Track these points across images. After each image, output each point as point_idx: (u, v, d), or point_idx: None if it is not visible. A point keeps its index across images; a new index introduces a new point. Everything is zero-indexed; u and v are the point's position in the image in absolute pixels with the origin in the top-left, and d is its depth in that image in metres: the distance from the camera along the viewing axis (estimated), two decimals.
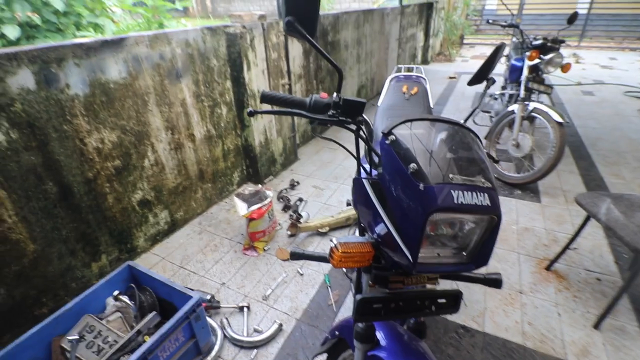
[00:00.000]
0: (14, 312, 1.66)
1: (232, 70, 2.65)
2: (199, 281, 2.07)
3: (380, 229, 0.77)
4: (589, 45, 9.86)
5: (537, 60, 2.97)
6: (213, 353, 1.62)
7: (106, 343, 1.48)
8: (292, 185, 3.05)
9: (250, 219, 2.21)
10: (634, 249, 1.47)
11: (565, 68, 2.99)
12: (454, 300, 0.84)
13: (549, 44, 2.96)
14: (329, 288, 1.98)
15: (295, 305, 1.89)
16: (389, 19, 5.50)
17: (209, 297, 1.88)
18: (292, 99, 0.90)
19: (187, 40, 2.27)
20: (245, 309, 1.86)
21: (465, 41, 10.93)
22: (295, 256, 1.01)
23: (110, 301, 1.65)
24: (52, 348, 1.45)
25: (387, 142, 0.76)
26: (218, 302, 1.89)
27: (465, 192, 0.66)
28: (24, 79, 1.55)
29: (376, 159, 0.84)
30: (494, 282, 0.89)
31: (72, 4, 3.53)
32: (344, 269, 1.88)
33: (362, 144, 0.86)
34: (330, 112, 0.84)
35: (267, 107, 2.43)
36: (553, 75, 6.31)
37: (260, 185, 2.44)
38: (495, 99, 3.89)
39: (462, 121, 0.84)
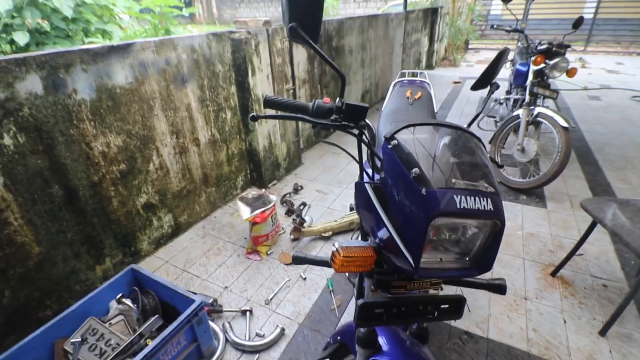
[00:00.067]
0: (18, 314, 1.67)
1: (236, 75, 2.67)
2: (201, 285, 2.08)
3: (382, 234, 0.77)
4: (596, 50, 9.82)
5: (542, 65, 2.96)
6: (215, 357, 1.62)
7: (109, 346, 1.48)
8: (296, 190, 3.06)
9: (254, 223, 2.21)
10: None
11: (570, 73, 2.98)
12: (457, 306, 0.83)
13: (554, 49, 2.96)
14: (332, 293, 1.97)
15: (298, 310, 1.88)
16: (393, 24, 5.52)
17: (211, 300, 1.88)
18: (295, 103, 0.90)
19: (192, 46, 2.29)
20: (247, 313, 1.85)
21: (470, 46, 10.94)
22: (298, 260, 1.00)
23: (113, 304, 1.66)
24: (55, 350, 1.46)
25: (389, 146, 0.76)
26: (220, 305, 1.89)
27: (468, 197, 0.65)
28: (32, 84, 1.57)
29: (379, 164, 0.84)
30: (498, 287, 0.88)
31: (81, 11, 3.59)
32: (346, 274, 1.88)
33: (364, 149, 0.87)
34: (333, 117, 0.84)
35: (270, 111, 2.45)
36: (559, 80, 6.27)
37: (264, 190, 2.45)
38: (501, 103, 3.88)
39: (465, 126, 0.84)
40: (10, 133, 1.53)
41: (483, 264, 0.73)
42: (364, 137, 0.86)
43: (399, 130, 0.79)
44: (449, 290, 1.85)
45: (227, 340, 1.72)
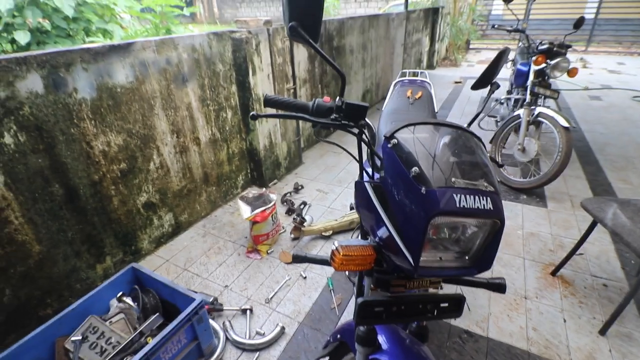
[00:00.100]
0: (18, 313, 1.67)
1: (237, 74, 2.67)
2: (202, 284, 2.08)
3: (382, 233, 0.77)
4: (597, 50, 9.80)
5: (543, 65, 2.96)
6: (215, 355, 1.62)
7: (109, 344, 1.48)
8: (296, 189, 3.06)
9: (254, 222, 2.21)
10: None
11: (571, 73, 2.98)
12: (457, 304, 0.83)
13: (555, 49, 2.95)
14: (332, 291, 1.98)
15: (298, 309, 1.89)
16: (394, 24, 5.51)
17: (211, 299, 1.89)
18: (295, 102, 0.90)
19: (193, 46, 2.29)
20: (248, 312, 1.86)
21: (471, 46, 10.93)
22: (298, 259, 1.01)
23: (114, 302, 1.66)
24: (56, 348, 1.46)
25: (389, 145, 0.76)
26: (221, 304, 1.89)
27: (467, 196, 0.65)
28: (32, 83, 1.57)
29: (378, 163, 0.84)
30: (498, 286, 0.88)
31: (82, 10, 3.59)
32: (347, 272, 1.88)
33: (364, 148, 0.87)
34: (333, 116, 0.84)
35: (271, 111, 2.45)
36: (560, 80, 6.28)
37: (264, 189, 2.45)
38: (501, 103, 3.88)
39: (465, 125, 0.84)
40: (11, 132, 1.53)
41: (483, 263, 0.73)
42: (363, 136, 0.86)
43: (398, 130, 0.79)
44: (449, 289, 1.85)
45: (227, 338, 1.72)
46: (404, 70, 2.47)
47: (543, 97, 3.03)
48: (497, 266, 2.13)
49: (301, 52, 3.28)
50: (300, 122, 3.45)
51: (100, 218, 1.97)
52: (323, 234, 2.43)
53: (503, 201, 0.70)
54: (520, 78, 3.31)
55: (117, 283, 1.70)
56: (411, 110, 1.88)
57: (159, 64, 2.11)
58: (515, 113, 2.94)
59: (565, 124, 2.57)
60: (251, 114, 0.87)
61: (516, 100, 3.57)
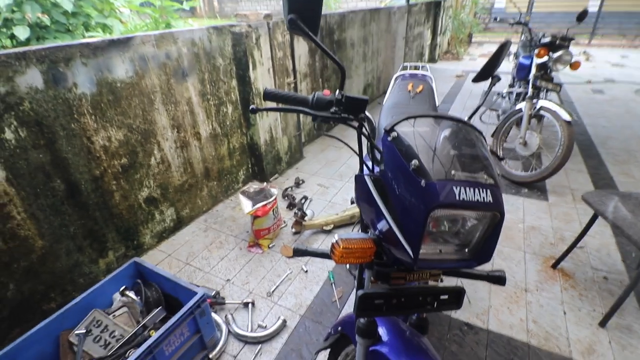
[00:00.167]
0: (22, 307, 1.69)
1: (237, 69, 2.66)
2: (204, 278, 2.09)
3: (382, 226, 0.77)
4: (600, 43, 9.72)
5: (545, 58, 2.94)
6: (218, 348, 1.64)
7: (113, 337, 1.50)
8: (297, 184, 3.06)
9: (255, 217, 2.22)
10: None
11: (574, 66, 2.96)
12: (457, 296, 0.84)
13: (557, 42, 2.93)
14: (333, 285, 1.99)
15: (300, 302, 1.90)
16: (395, 17, 5.47)
17: (213, 293, 1.90)
18: (294, 96, 0.90)
19: (193, 40, 2.28)
20: (249, 305, 1.87)
21: (473, 39, 10.85)
22: (298, 253, 1.01)
23: (117, 296, 1.67)
24: (60, 342, 1.48)
25: (389, 138, 0.76)
26: (223, 298, 1.90)
27: (467, 189, 0.65)
28: (32, 78, 1.57)
29: (378, 156, 0.84)
30: (498, 279, 0.88)
31: (81, 5, 3.57)
32: (347, 266, 1.89)
33: (365, 141, 0.87)
34: (332, 109, 0.84)
35: (271, 104, 2.44)
36: (563, 74, 6.24)
37: (265, 183, 2.46)
38: (503, 97, 3.86)
39: (466, 118, 0.84)
40: (12, 127, 1.54)
41: (482, 255, 0.74)
42: (363, 129, 0.86)
43: (398, 123, 0.79)
44: (449, 281, 1.86)
45: (229, 331, 1.74)
46: (405, 64, 2.46)
47: (545, 90, 3.01)
48: (498, 259, 2.13)
49: (302, 46, 3.27)
50: (301, 116, 3.45)
51: (102, 213, 1.98)
52: (324, 228, 2.44)
53: (504, 195, 0.70)
54: (522, 71, 3.29)
55: (120, 277, 1.71)
56: (412, 104, 1.87)
57: (159, 59, 2.10)
58: (517, 106, 2.92)
59: (567, 118, 2.56)
60: (251, 107, 0.87)
61: (518, 94, 3.55)
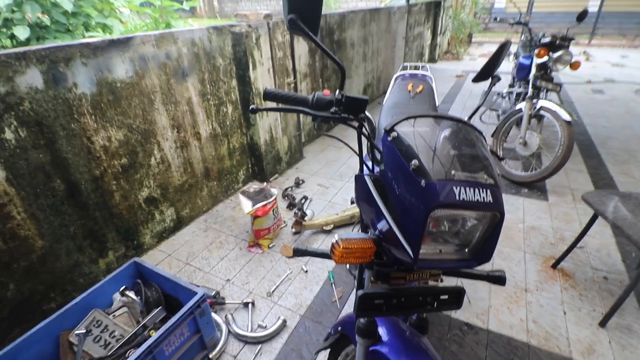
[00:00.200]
0: (23, 307, 1.69)
1: (237, 69, 2.66)
2: (204, 277, 2.09)
3: (381, 226, 0.77)
4: (600, 43, 9.72)
5: (545, 58, 2.94)
6: (218, 348, 1.64)
7: (113, 337, 1.50)
8: (297, 184, 3.06)
9: (255, 217, 2.22)
10: None
11: (574, 66, 2.96)
12: (457, 296, 0.84)
13: (557, 42, 2.93)
14: (333, 285, 1.99)
15: (300, 302, 1.90)
16: (395, 17, 5.47)
17: (213, 293, 1.90)
18: (294, 96, 0.90)
19: (193, 40, 2.28)
20: (249, 305, 1.87)
21: (473, 39, 10.85)
22: (298, 253, 1.01)
23: (117, 296, 1.67)
24: (60, 342, 1.48)
25: (389, 138, 0.76)
26: (223, 298, 1.90)
27: (467, 189, 0.65)
28: (32, 78, 1.57)
29: (378, 156, 0.84)
30: (498, 279, 0.88)
31: (81, 5, 3.57)
32: (347, 266, 1.89)
33: (365, 141, 0.87)
34: (332, 109, 0.84)
35: (271, 104, 2.44)
36: (563, 74, 6.24)
37: (265, 183, 2.46)
38: (503, 97, 3.86)
39: (466, 119, 0.84)
40: (12, 127, 1.54)
41: (482, 255, 0.74)
42: (363, 129, 0.86)
43: (398, 123, 0.79)
44: (449, 282, 1.86)
45: (229, 331, 1.74)
46: (405, 64, 2.46)
47: (545, 90, 3.01)
48: (498, 259, 2.13)
49: (302, 46, 3.27)
50: (301, 116, 3.45)
51: (102, 213, 1.98)
52: (324, 228, 2.44)
53: (504, 195, 0.70)
54: (522, 71, 3.29)
55: (120, 277, 1.71)
56: (412, 104, 1.87)
57: (159, 59, 2.10)
58: (517, 107, 2.92)
59: (567, 118, 2.56)
60: (250, 107, 0.87)
61: (518, 94, 3.55)
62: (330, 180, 3.13)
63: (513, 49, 4.18)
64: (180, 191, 2.46)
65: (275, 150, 3.12)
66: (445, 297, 0.83)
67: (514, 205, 2.65)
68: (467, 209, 0.67)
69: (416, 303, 0.82)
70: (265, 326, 1.75)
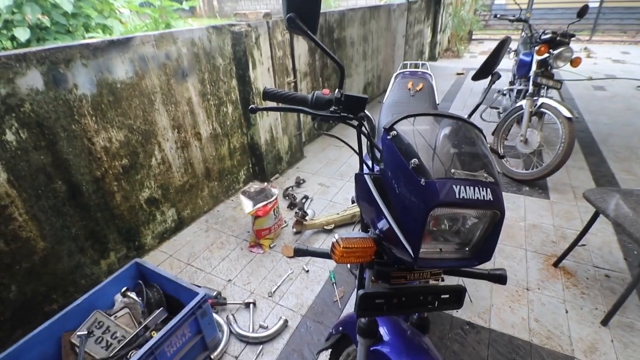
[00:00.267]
0: (24, 309, 1.69)
1: (237, 68, 2.66)
2: (205, 278, 2.09)
3: (382, 225, 0.77)
4: (601, 40, 9.69)
5: (546, 55, 2.92)
6: (219, 348, 1.64)
7: (114, 338, 1.50)
8: (298, 183, 3.06)
9: (256, 217, 2.22)
10: None
11: (574, 62, 2.94)
12: (458, 296, 0.84)
13: (558, 38, 2.91)
14: (334, 285, 1.99)
15: (301, 302, 1.90)
16: (395, 15, 5.46)
17: (215, 293, 1.90)
18: (294, 95, 0.90)
19: (192, 40, 2.28)
20: (251, 306, 1.87)
21: (473, 37, 10.83)
22: (299, 252, 1.01)
23: (118, 297, 1.68)
24: (62, 343, 1.48)
25: (388, 137, 0.76)
26: (224, 298, 1.91)
27: (467, 187, 0.65)
28: (32, 79, 1.57)
29: (378, 155, 0.83)
30: (499, 278, 0.88)
31: (81, 6, 3.56)
32: (348, 265, 1.89)
33: (364, 140, 0.87)
34: (332, 108, 0.84)
35: (271, 104, 2.44)
36: (563, 70, 6.21)
37: (266, 183, 2.46)
38: (504, 94, 3.85)
39: (466, 116, 0.84)
40: (13, 129, 1.54)
41: (483, 254, 0.73)
42: (363, 128, 0.86)
43: (398, 121, 0.78)
44: (450, 280, 1.85)
45: (231, 332, 1.74)
46: (405, 62, 2.45)
47: (546, 87, 3.00)
48: (499, 258, 2.13)
49: (301, 45, 3.26)
50: (302, 116, 3.45)
51: (104, 214, 1.98)
52: (325, 227, 2.43)
53: (505, 193, 0.70)
54: (522, 68, 3.28)
55: (122, 278, 1.71)
56: (412, 102, 1.87)
57: (159, 59, 2.10)
58: (518, 104, 2.91)
59: (568, 115, 2.55)
60: (250, 107, 0.87)
61: (519, 91, 3.54)
62: (331, 180, 3.13)
63: (513, 46, 4.17)
64: (181, 192, 2.46)
65: (275, 150, 3.12)
66: (446, 296, 0.83)
67: (515, 203, 2.65)
68: (467, 207, 0.67)
69: (417, 302, 0.81)
70: (267, 326, 1.75)
